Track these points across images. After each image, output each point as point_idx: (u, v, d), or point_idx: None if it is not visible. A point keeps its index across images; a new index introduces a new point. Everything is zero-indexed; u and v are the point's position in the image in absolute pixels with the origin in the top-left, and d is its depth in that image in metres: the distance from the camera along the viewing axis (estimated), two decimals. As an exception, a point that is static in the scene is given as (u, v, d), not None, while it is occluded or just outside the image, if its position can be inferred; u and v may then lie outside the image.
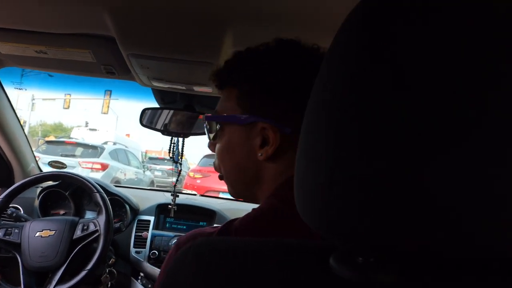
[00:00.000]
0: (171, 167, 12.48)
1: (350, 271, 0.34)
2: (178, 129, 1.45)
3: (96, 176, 7.18)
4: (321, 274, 0.35)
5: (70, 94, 17.10)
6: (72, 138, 12.70)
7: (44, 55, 1.23)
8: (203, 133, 1.44)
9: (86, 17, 1.00)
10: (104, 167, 7.89)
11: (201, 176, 8.71)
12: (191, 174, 9.21)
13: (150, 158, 15.28)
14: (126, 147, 10.96)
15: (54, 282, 1.23)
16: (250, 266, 0.36)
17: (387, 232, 0.29)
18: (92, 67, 1.27)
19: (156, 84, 1.33)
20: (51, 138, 15.66)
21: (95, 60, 1.22)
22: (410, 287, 0.34)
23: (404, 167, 0.27)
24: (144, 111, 1.46)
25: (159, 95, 1.49)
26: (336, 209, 0.30)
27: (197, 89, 1.34)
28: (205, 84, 1.27)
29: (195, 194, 2.22)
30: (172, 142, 1.50)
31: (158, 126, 1.46)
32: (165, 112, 1.46)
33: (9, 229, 1.32)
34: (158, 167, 13.70)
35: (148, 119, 1.47)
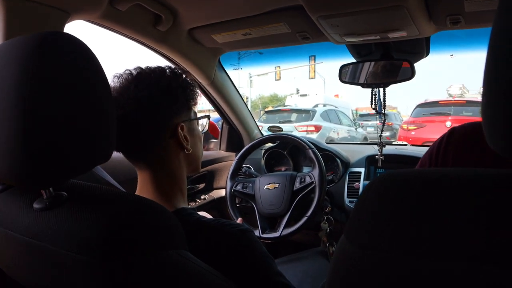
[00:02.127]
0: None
1: None
2: (377, 80, 1.45)
3: (311, 137, 7.71)
4: (505, 202, 0.34)
5: (279, 66, 18.64)
6: (286, 105, 13.90)
7: (250, 36, 1.42)
8: (403, 80, 1.40)
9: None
10: (317, 128, 8.39)
11: (415, 127, 8.22)
12: (405, 126, 8.80)
13: (361, 115, 15.28)
14: (335, 107, 11.29)
15: (282, 226, 1.47)
16: (432, 195, 0.38)
17: None
18: (289, 37, 1.40)
19: (349, 39, 1.36)
20: (269, 108, 17.54)
21: (290, 30, 1.34)
22: None
23: None
24: (342, 68, 1.51)
25: (354, 50, 1.51)
26: None
27: (392, 35, 1.30)
28: (397, 28, 1.22)
29: (405, 145, 2.16)
30: (374, 93, 1.51)
31: (358, 80, 1.49)
32: (362, 65, 1.48)
33: (245, 184, 1.62)
34: (369, 123, 13.60)
35: (347, 75, 1.52)
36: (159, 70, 0.81)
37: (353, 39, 1.35)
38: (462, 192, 0.36)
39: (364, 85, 1.45)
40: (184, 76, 0.83)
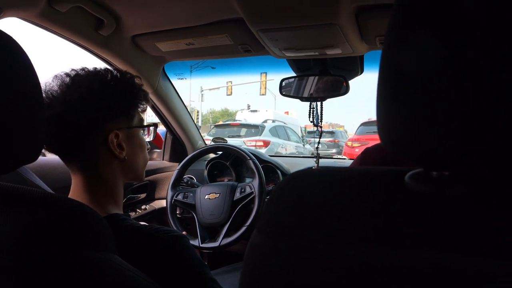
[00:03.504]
0: (330, 139, 12.64)
1: (425, 185, 0.36)
2: (315, 94, 1.52)
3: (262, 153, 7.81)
4: (396, 191, 0.38)
5: (231, 81, 18.80)
6: (236, 120, 14.00)
7: (193, 46, 1.44)
8: (338, 95, 1.48)
9: (217, 4, 1.14)
10: (266, 143, 8.52)
11: (359, 144, 8.61)
12: (349, 143, 9.18)
13: (309, 132, 15.71)
14: (285, 123, 11.54)
15: (221, 235, 1.47)
16: (337, 188, 0.41)
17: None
18: (232, 49, 1.44)
19: (288, 54, 1.42)
20: (220, 123, 17.59)
21: (232, 42, 1.37)
22: (482, 201, 0.34)
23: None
24: (282, 81, 1.57)
25: (294, 64, 1.58)
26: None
27: (329, 52, 1.38)
28: (332, 45, 1.29)
29: (344, 158, 2.26)
30: (312, 107, 1.57)
31: (297, 93, 1.55)
32: (301, 79, 1.54)
33: (186, 193, 1.62)
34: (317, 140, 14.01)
35: (287, 89, 1.58)
36: (96, 73, 0.79)
37: (293, 54, 1.41)
38: (357, 183, 0.40)
39: (302, 99, 1.52)
40: (127, 81, 0.82)
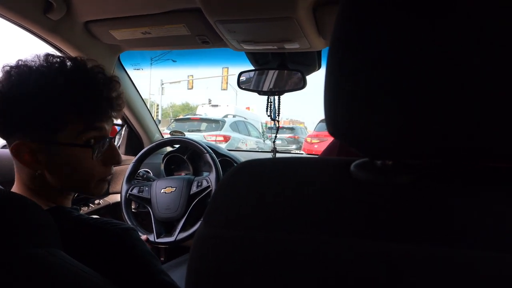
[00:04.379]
0: (290, 135, 12.80)
1: (367, 174, 0.36)
2: (273, 88, 1.52)
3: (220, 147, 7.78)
4: (341, 180, 0.38)
5: (192, 75, 18.56)
6: (196, 114, 13.86)
7: (149, 35, 1.40)
8: (295, 89, 1.49)
9: (174, -8, 1.12)
10: (226, 138, 8.49)
11: (318, 141, 8.79)
12: (308, 139, 9.35)
13: (269, 128, 15.82)
14: (245, 119, 11.55)
15: (178, 230, 1.45)
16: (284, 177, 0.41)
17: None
18: (189, 40, 1.41)
19: (247, 47, 1.41)
20: (180, 117, 17.34)
21: (190, 32, 1.35)
22: (425, 190, 0.35)
23: None
24: (240, 74, 1.56)
25: (252, 57, 1.57)
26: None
27: (287, 46, 1.38)
28: (290, 40, 1.30)
29: (301, 153, 2.29)
30: (269, 101, 1.57)
31: (255, 87, 1.55)
32: (259, 73, 1.54)
33: (141, 187, 1.57)
34: (278, 135, 14.16)
35: (245, 82, 1.57)
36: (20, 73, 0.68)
37: (251, 47, 1.40)
38: (304, 172, 0.40)
39: (260, 92, 1.51)
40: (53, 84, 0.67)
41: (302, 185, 0.39)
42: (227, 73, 18.07)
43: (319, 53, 1.53)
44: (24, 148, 0.69)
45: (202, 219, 1.25)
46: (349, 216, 0.34)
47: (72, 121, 0.70)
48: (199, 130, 8.94)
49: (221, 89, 18.63)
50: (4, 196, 0.52)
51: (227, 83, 18.44)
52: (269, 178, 0.40)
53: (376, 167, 0.37)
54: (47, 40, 1.34)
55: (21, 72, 0.68)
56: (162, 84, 20.43)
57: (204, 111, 15.60)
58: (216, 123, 9.18)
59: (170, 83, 21.32)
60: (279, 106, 1.53)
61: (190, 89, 19.52)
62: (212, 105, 17.00)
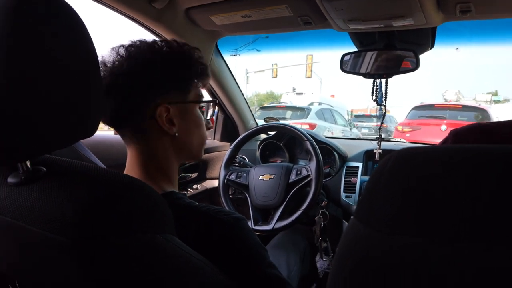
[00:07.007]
0: (377, 123, 12.24)
1: None
2: (380, 70, 1.40)
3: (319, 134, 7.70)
4: None
5: (276, 64, 18.61)
6: (281, 102, 13.87)
7: (249, 19, 1.36)
8: (406, 71, 1.35)
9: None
10: (312, 126, 8.35)
11: (410, 129, 8.21)
12: (400, 128, 8.78)
13: (356, 116, 15.31)
14: (331, 106, 11.28)
15: (275, 219, 1.41)
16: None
17: None
18: (291, 21, 1.35)
19: (353, 26, 1.31)
20: (266, 105, 17.53)
21: (292, 13, 1.28)
22: None
23: None
24: (343, 56, 1.46)
25: (356, 38, 1.46)
26: None
27: (396, 23, 1.25)
28: (404, 15, 1.17)
29: (404, 142, 2.12)
30: (375, 84, 1.45)
31: (359, 70, 1.44)
32: (365, 54, 1.43)
33: (239, 173, 1.56)
34: (364, 124, 13.68)
35: (348, 65, 1.47)
36: (151, 45, 0.74)
37: (357, 26, 1.30)
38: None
39: (366, 75, 1.40)
40: (182, 53, 0.76)
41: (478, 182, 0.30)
42: (312, 61, 17.78)
43: (433, 30, 1.36)
44: (164, 110, 0.73)
45: (301, 210, 1.18)
46: None
47: (193, 85, 0.78)
48: (284, 118, 8.90)
49: (306, 77, 18.41)
50: (126, 181, 0.51)
51: (311, 71, 18.17)
52: (442, 174, 0.32)
53: None
54: (150, 29, 1.38)
55: (147, 45, 0.74)
56: (247, 73, 20.78)
57: (289, 99, 15.54)
58: (301, 111, 9.06)
59: (255, 72, 21.56)
60: (386, 90, 1.41)
61: (274, 77, 19.61)
62: (297, 93, 16.86)
